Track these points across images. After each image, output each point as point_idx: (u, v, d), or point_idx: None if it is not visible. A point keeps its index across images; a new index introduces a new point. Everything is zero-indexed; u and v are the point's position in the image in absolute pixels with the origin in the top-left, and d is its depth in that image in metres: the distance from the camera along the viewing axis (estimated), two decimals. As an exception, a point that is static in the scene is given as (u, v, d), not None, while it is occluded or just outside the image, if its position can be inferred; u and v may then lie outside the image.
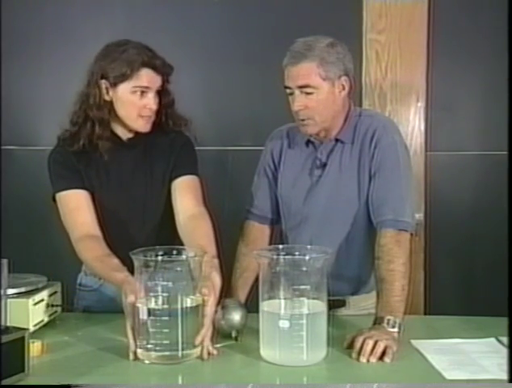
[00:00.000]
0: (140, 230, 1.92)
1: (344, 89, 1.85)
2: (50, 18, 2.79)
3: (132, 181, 1.92)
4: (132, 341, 1.54)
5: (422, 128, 2.72)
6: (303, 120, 1.85)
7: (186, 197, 1.88)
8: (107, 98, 1.86)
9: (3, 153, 2.72)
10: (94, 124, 1.86)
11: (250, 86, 2.76)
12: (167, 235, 1.85)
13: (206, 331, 1.54)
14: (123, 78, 1.82)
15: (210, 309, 1.55)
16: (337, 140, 1.91)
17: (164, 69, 1.86)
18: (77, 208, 1.85)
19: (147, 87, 1.83)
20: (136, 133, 1.92)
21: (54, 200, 1.90)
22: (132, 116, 1.86)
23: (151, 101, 1.85)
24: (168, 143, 1.94)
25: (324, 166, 1.92)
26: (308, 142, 1.96)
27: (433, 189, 2.74)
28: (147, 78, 1.83)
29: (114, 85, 1.84)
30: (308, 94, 1.81)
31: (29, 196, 2.75)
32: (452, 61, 2.70)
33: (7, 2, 2.68)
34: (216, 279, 1.60)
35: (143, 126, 1.88)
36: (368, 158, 1.86)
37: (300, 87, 1.81)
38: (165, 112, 1.93)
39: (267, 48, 2.65)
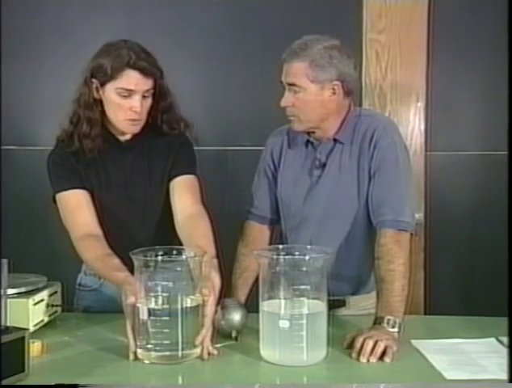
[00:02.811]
0: (139, 230, 1.91)
1: (334, 94, 1.84)
2: (50, 18, 2.79)
3: (130, 181, 1.92)
4: (132, 341, 1.54)
5: (422, 128, 2.72)
6: (288, 115, 1.87)
7: (184, 196, 1.88)
8: (96, 96, 1.84)
9: (3, 153, 2.72)
10: (83, 123, 1.85)
11: (250, 86, 2.76)
12: (166, 235, 1.85)
13: (206, 332, 1.54)
14: (107, 78, 1.80)
15: (210, 309, 1.55)
16: (335, 140, 1.91)
17: (151, 72, 1.82)
18: (77, 208, 1.85)
19: (132, 90, 1.80)
20: (135, 134, 1.90)
21: (55, 201, 1.90)
22: (118, 118, 1.84)
23: (136, 104, 1.81)
24: (166, 144, 1.93)
25: (323, 166, 1.92)
26: (308, 142, 1.96)
27: (433, 189, 2.74)
28: (133, 80, 1.79)
29: (102, 84, 1.82)
30: (295, 92, 1.82)
31: (29, 195, 2.75)
32: (452, 61, 2.70)
33: (7, 2, 2.68)
34: (216, 279, 1.60)
35: (130, 128, 1.87)
36: (368, 158, 1.86)
37: (289, 85, 1.83)
38: (160, 117, 1.91)
39: (267, 48, 2.65)
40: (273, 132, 2.06)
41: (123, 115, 1.83)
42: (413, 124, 2.72)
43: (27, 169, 2.78)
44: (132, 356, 1.54)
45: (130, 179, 1.92)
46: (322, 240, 1.83)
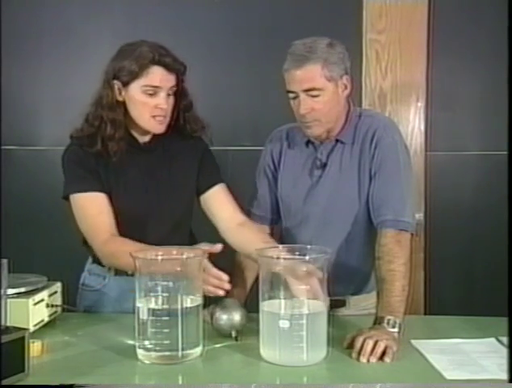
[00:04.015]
0: (155, 233, 1.86)
1: (346, 88, 1.85)
2: (50, 17, 2.79)
3: (149, 185, 1.89)
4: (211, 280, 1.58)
5: (422, 128, 2.73)
6: (308, 122, 1.84)
7: (225, 207, 1.93)
8: (119, 98, 1.82)
9: (3, 153, 2.72)
10: (107, 125, 1.82)
11: (250, 86, 2.76)
12: (182, 238, 1.85)
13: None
14: (132, 76, 1.78)
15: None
16: (337, 140, 1.91)
17: (176, 67, 1.81)
18: (98, 213, 1.81)
19: (157, 87, 1.79)
20: (154, 136, 1.89)
21: (65, 198, 1.86)
22: (144, 117, 1.82)
23: (162, 101, 1.80)
24: (187, 149, 1.93)
25: (324, 166, 1.92)
26: (308, 142, 1.96)
27: (433, 189, 2.74)
28: (157, 76, 1.78)
29: (125, 84, 1.80)
30: (313, 96, 1.80)
31: (29, 195, 2.75)
32: (452, 61, 2.70)
33: (7, 2, 2.68)
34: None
35: (156, 127, 1.84)
36: (368, 158, 1.86)
37: (306, 91, 1.79)
38: (183, 116, 1.90)
39: (267, 48, 2.66)
40: (273, 132, 2.06)
41: (149, 113, 1.81)
42: (413, 124, 2.72)
43: (27, 169, 2.78)
44: (222, 292, 1.59)
45: (149, 182, 1.89)
46: (322, 240, 1.83)
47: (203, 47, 2.73)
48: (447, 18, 2.68)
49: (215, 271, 1.59)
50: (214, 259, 1.64)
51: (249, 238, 1.82)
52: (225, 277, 1.58)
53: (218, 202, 1.93)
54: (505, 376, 1.41)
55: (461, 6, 2.68)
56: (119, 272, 1.90)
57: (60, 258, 2.63)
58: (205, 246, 1.64)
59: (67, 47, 2.76)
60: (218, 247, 1.64)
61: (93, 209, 1.82)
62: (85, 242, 1.92)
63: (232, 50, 2.75)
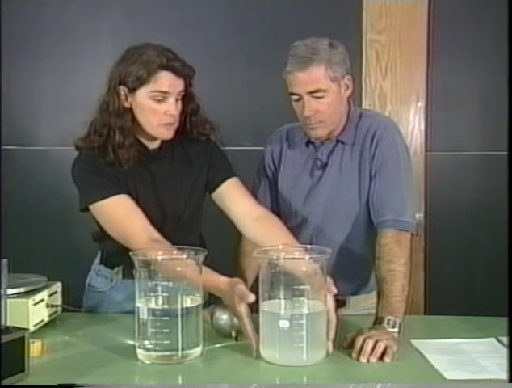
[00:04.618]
0: (168, 237, 1.77)
1: (348, 88, 1.85)
2: (50, 17, 2.79)
3: (162, 190, 1.86)
4: (254, 340, 1.54)
5: (422, 128, 2.73)
6: (312, 123, 1.84)
7: (241, 200, 1.87)
8: (126, 105, 1.76)
9: (3, 153, 2.72)
10: (115, 133, 1.77)
11: (251, 86, 2.76)
12: (193, 241, 1.82)
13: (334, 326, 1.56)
14: (140, 81, 1.72)
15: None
16: (337, 140, 1.91)
17: (185, 72, 1.77)
18: (130, 214, 1.74)
19: (166, 92, 1.73)
20: (162, 142, 1.85)
21: (83, 209, 1.80)
22: (153, 124, 1.77)
23: (172, 107, 1.75)
24: (197, 152, 1.90)
25: (324, 166, 1.92)
26: (309, 143, 1.96)
27: (433, 189, 2.74)
28: (166, 81, 1.73)
29: (132, 90, 1.74)
30: (318, 98, 1.79)
31: (29, 195, 2.75)
32: (452, 61, 2.71)
33: (7, 2, 2.68)
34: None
35: (165, 134, 1.79)
36: (369, 158, 1.86)
37: (310, 93, 1.79)
38: (189, 120, 1.86)
39: (268, 48, 2.66)
40: (273, 132, 2.06)
41: (158, 120, 1.76)
42: (413, 124, 2.73)
43: (27, 169, 2.78)
44: (255, 354, 1.53)
45: (160, 188, 1.86)
46: (323, 240, 1.83)
47: (203, 47, 2.73)
48: (447, 18, 2.68)
49: (249, 330, 1.55)
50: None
51: (268, 236, 1.77)
52: (255, 346, 1.54)
53: (232, 197, 1.88)
54: (505, 376, 1.41)
55: (461, 6, 2.68)
56: (126, 275, 1.87)
57: (60, 258, 2.63)
58: (241, 286, 1.57)
59: (67, 47, 2.76)
60: (252, 298, 1.55)
61: (120, 212, 1.75)
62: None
63: (232, 50, 2.75)
